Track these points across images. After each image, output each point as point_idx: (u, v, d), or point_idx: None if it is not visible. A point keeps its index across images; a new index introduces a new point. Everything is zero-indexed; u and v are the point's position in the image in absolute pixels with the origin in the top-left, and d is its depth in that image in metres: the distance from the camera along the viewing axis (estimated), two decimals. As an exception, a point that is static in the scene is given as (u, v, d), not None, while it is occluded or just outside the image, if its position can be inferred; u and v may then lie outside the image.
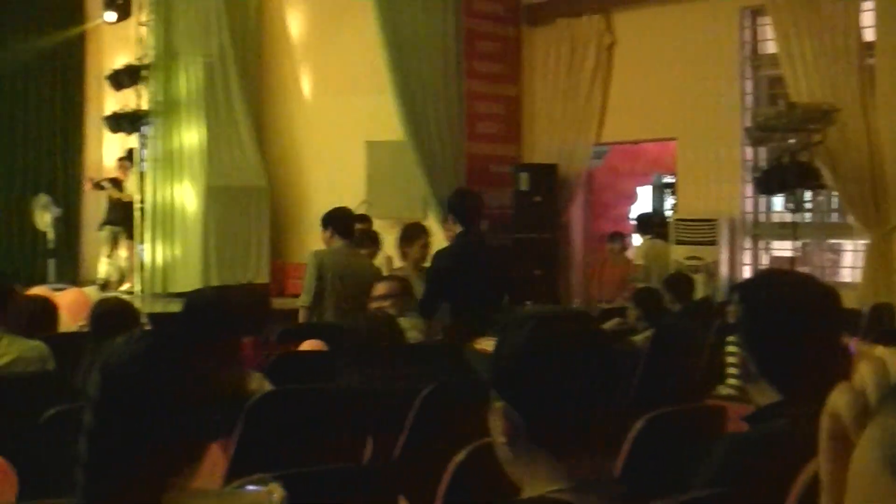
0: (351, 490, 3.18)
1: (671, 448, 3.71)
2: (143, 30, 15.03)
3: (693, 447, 2.96)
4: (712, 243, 11.09)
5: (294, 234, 14.31)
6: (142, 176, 14.93)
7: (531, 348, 2.01)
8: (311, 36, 14.66)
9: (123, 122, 15.13)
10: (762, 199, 11.27)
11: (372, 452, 4.21)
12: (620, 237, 12.48)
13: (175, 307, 11.54)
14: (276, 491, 2.31)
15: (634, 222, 12.99)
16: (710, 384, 6.08)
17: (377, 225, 10.76)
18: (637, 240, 12.74)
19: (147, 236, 14.81)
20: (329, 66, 14.27)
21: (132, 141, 15.44)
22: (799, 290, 2.82)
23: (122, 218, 15.31)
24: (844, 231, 10.75)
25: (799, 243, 10.42)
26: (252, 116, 14.75)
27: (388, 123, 12.19)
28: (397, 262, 9.86)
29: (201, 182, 14.43)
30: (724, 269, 11.14)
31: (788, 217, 10.28)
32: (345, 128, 13.69)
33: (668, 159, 12.72)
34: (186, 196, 14.72)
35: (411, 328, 6.70)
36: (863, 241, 10.44)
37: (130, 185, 15.27)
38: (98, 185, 15.86)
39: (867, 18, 10.22)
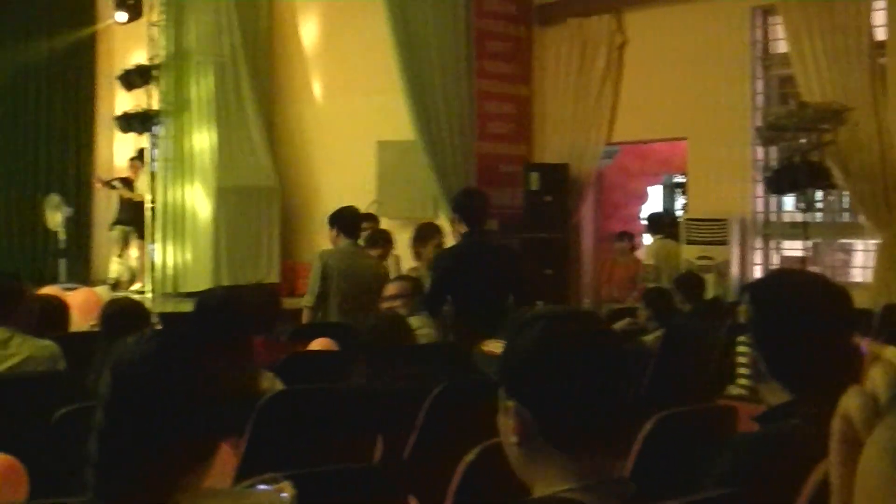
0: (361, 490, 3.19)
1: (682, 448, 3.70)
2: (155, 30, 15.04)
3: (704, 447, 2.96)
4: (723, 243, 11.07)
5: (304, 234, 14.31)
6: (153, 176, 14.95)
7: (543, 346, 2.01)
8: (322, 36, 14.67)
9: (134, 122, 15.14)
10: (773, 199, 11.24)
11: (382, 452, 4.21)
12: (628, 237, 12.45)
13: (186, 307, 11.56)
14: (287, 490, 2.31)
15: (645, 222, 12.97)
16: (721, 384, 6.08)
17: (388, 225, 10.79)
18: (647, 239, 12.72)
19: (158, 236, 14.83)
20: (340, 66, 14.28)
21: (143, 141, 15.46)
22: (810, 290, 2.82)
23: (133, 218, 15.33)
24: (855, 231, 10.73)
25: (810, 243, 10.40)
26: (263, 116, 14.77)
27: (398, 123, 12.19)
28: (407, 262, 9.88)
29: (212, 182, 14.44)
30: (734, 269, 11.13)
31: (799, 217, 10.25)
32: (355, 128, 13.70)
33: (678, 159, 12.70)
34: (197, 196, 14.73)
35: (423, 326, 6.72)
36: (874, 241, 10.41)
37: (141, 184, 15.29)
38: (109, 185, 15.89)
39: (878, 18, 10.20)
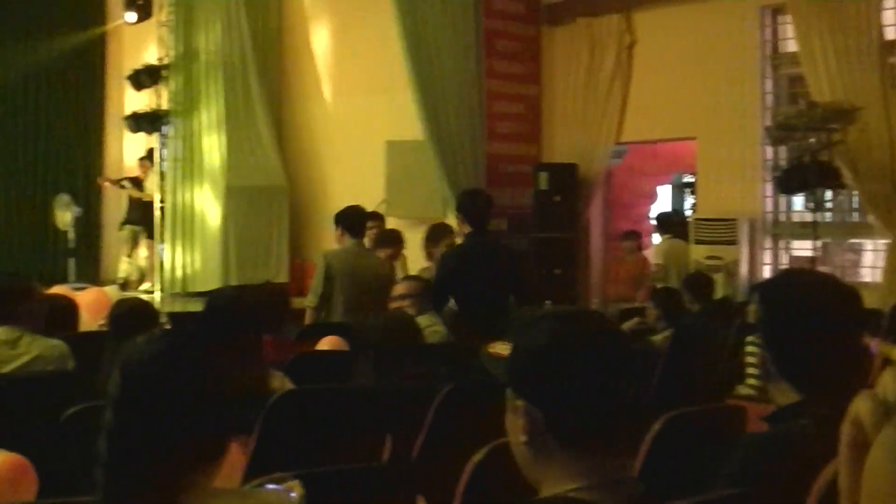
0: (369, 489, 3.19)
1: (690, 448, 3.70)
2: (164, 30, 15.08)
3: (712, 447, 2.96)
4: (732, 243, 11.05)
5: (313, 234, 14.31)
6: (162, 176, 14.98)
7: (551, 345, 2.02)
8: (332, 36, 14.67)
9: (143, 122, 15.16)
10: (782, 199, 11.22)
11: (390, 452, 4.21)
12: (634, 235, 12.43)
13: (195, 307, 11.58)
14: (296, 489, 2.31)
15: (654, 222, 12.97)
16: (730, 384, 6.07)
17: (396, 225, 10.78)
18: (656, 239, 12.71)
19: (167, 236, 14.86)
20: (349, 66, 14.29)
21: (153, 141, 15.48)
22: (819, 291, 2.81)
23: (142, 217, 15.36)
24: (865, 231, 10.70)
25: (819, 243, 10.38)
26: (272, 116, 14.77)
27: (407, 123, 12.19)
28: (416, 262, 9.88)
29: (221, 182, 14.46)
30: (743, 269, 11.11)
31: (809, 216, 10.23)
32: (364, 127, 13.70)
33: (687, 159, 12.68)
34: (206, 196, 14.76)
35: (432, 324, 6.73)
36: (883, 241, 10.38)
37: (151, 184, 15.31)
38: (119, 185, 15.92)
39: (888, 17, 10.18)
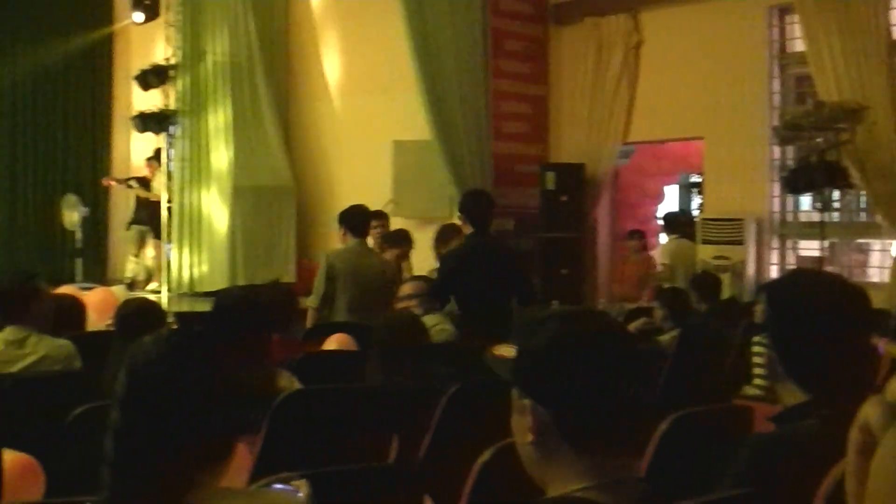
0: (376, 489, 3.19)
1: (697, 448, 3.70)
2: (171, 30, 15.10)
3: (719, 447, 2.95)
4: (739, 243, 11.05)
5: (320, 234, 14.31)
6: (169, 176, 15.00)
7: (558, 343, 2.02)
8: (338, 36, 14.67)
9: (151, 122, 15.16)
10: (790, 199, 11.21)
11: (397, 452, 4.21)
12: (639, 235, 12.43)
13: (202, 307, 11.59)
14: (303, 489, 2.31)
15: (661, 222, 12.96)
16: (737, 384, 6.07)
17: (403, 224, 10.78)
18: (663, 239, 12.70)
19: (174, 236, 14.87)
20: (356, 66, 14.29)
21: (160, 141, 15.50)
22: (827, 291, 2.81)
23: (149, 217, 15.38)
24: (872, 231, 10.68)
25: (826, 243, 10.37)
26: (279, 116, 14.78)
27: (414, 123, 12.19)
28: (419, 262, 9.87)
29: (228, 182, 14.47)
30: (751, 269, 11.10)
31: (816, 216, 10.23)
32: (371, 127, 13.71)
33: (694, 158, 12.68)
34: (213, 196, 14.77)
35: (439, 323, 6.74)
36: (891, 241, 10.37)
37: (158, 184, 15.33)
38: (126, 184, 15.94)
39: (896, 17, 10.17)
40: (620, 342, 2.07)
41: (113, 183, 16.53)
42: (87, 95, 17.57)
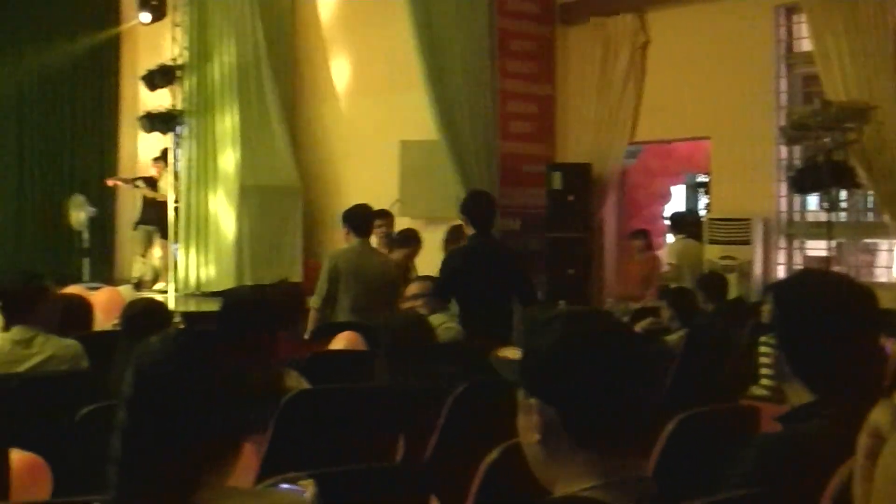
0: (383, 489, 3.19)
1: (704, 448, 3.69)
2: (178, 30, 15.11)
3: (726, 447, 2.95)
4: (746, 243, 11.03)
5: (327, 234, 14.31)
6: (176, 176, 15.01)
7: (565, 342, 2.02)
8: (345, 35, 14.68)
9: (158, 122, 15.18)
10: (797, 199, 11.19)
11: (404, 452, 4.21)
12: (643, 234, 12.42)
13: (209, 306, 11.60)
14: (309, 489, 2.31)
15: (667, 221, 12.95)
16: (744, 384, 6.06)
17: (410, 224, 10.78)
18: (670, 239, 12.69)
19: (181, 236, 14.88)
20: (362, 66, 14.30)
21: (167, 141, 15.51)
22: (834, 291, 2.81)
23: (156, 217, 15.38)
24: (880, 230, 10.66)
25: (834, 243, 10.34)
26: (285, 116, 14.78)
27: (421, 123, 12.18)
28: (426, 262, 9.87)
29: (235, 182, 14.49)
30: (758, 269, 11.08)
31: (823, 216, 10.20)
32: (378, 127, 13.71)
33: (701, 158, 12.66)
34: (220, 196, 14.78)
35: (445, 321, 6.75)
36: (899, 241, 10.37)
37: (165, 184, 15.34)
38: (133, 184, 15.96)
39: (903, 16, 10.14)
40: (627, 342, 2.07)
41: (119, 183, 16.55)
42: (94, 95, 17.60)
